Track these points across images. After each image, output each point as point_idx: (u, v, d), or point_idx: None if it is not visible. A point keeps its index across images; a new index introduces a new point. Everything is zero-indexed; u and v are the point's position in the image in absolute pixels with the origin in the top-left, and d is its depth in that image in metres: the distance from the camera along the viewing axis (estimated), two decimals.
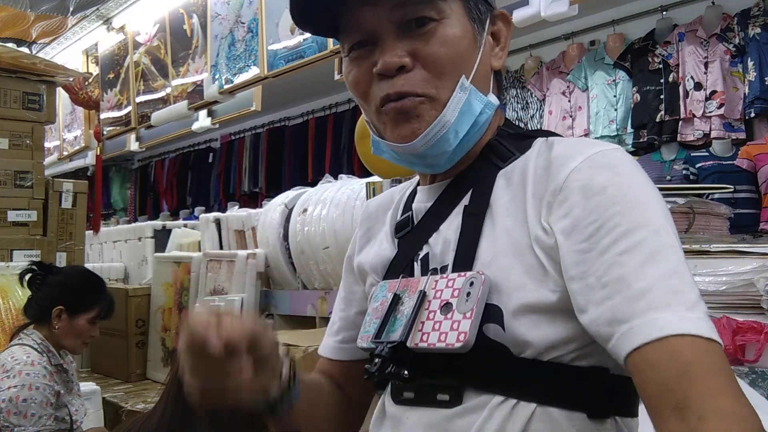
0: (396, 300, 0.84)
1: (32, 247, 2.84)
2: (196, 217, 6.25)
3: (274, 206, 3.11)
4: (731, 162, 3.71)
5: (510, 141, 0.86)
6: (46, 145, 3.84)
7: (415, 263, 0.87)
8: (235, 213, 3.61)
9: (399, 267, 0.89)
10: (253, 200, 6.62)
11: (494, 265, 0.77)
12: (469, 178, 0.86)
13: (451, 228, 0.84)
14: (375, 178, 2.29)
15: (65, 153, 4.18)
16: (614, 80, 4.26)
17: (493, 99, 0.86)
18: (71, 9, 3.57)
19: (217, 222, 3.54)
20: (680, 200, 1.96)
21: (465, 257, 0.80)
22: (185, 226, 4.04)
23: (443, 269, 0.83)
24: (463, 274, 0.78)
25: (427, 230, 0.87)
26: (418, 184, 0.95)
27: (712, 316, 1.59)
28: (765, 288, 1.51)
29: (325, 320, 2.83)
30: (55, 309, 1.97)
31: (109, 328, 2.04)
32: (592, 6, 4.13)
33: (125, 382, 3.49)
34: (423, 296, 0.80)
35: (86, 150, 3.96)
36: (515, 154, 0.84)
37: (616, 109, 4.26)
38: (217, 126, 4.09)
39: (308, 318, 2.87)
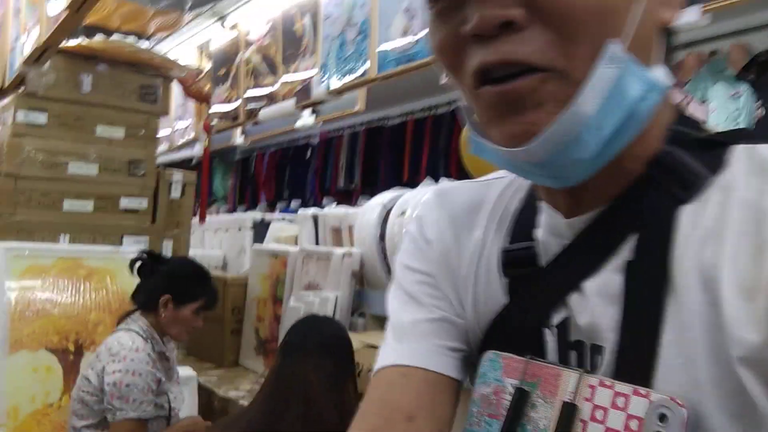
0: (523, 398, 0.56)
1: (141, 233, 2.97)
2: (293, 210, 6.40)
3: (373, 206, 3.12)
4: None
5: (691, 152, 0.56)
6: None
7: (546, 331, 0.59)
8: (332, 211, 3.65)
9: (518, 331, 0.61)
10: (347, 197, 6.69)
11: (686, 381, 0.50)
12: (630, 213, 0.56)
13: (604, 292, 0.56)
14: None
15: (175, 143, 4.34)
16: (737, 93, 4.02)
17: (660, 76, 0.54)
18: (188, 6, 3.70)
19: (315, 218, 3.59)
20: None
21: (637, 355, 0.52)
22: (283, 219, 4.11)
23: (595, 351, 0.56)
24: (642, 391, 0.50)
25: (562, 283, 0.59)
26: (535, 191, 0.66)
27: None
28: None
29: None
30: (162, 297, 2.04)
31: (207, 314, 2.10)
32: (715, 15, 3.92)
33: (219, 367, 3.59)
34: (571, 411, 0.53)
35: (195, 141, 4.10)
36: (704, 176, 0.55)
37: (737, 123, 4.02)
38: (320, 124, 4.15)
39: None
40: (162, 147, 4.40)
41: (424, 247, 0.70)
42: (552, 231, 0.62)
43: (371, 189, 6.30)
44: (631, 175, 0.57)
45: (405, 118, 6.09)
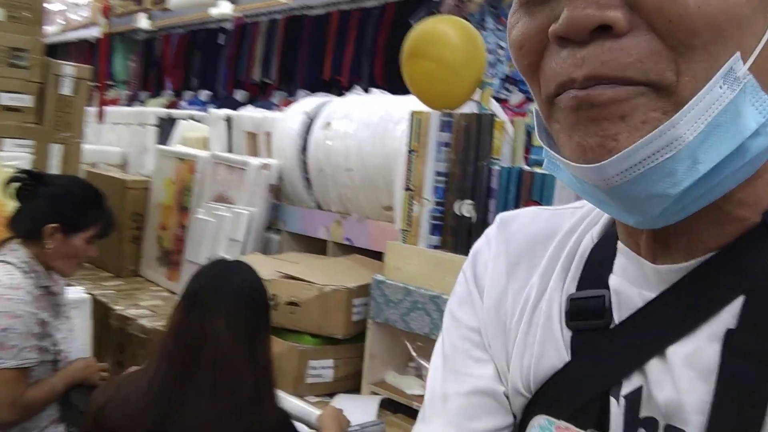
0: None
1: (25, 136, 2.54)
2: (202, 102, 5.94)
3: (294, 114, 2.82)
4: None
5: None
6: (47, 6, 3.46)
7: (613, 401, 0.49)
8: (248, 113, 3.32)
9: (579, 397, 0.51)
10: (262, 91, 6.26)
11: None
12: (737, 270, 0.46)
13: (695, 363, 0.46)
14: (420, 107, 2.00)
15: (71, 23, 3.80)
16: None
17: None
18: None
19: (228, 120, 3.26)
20: None
21: None
22: (192, 118, 3.73)
23: None
24: None
25: (641, 345, 0.48)
26: (614, 228, 0.55)
27: None
28: None
29: (339, 247, 2.63)
30: (47, 227, 1.71)
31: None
32: None
33: (116, 278, 3.32)
34: None
35: (92, 25, 3.59)
36: None
37: None
38: (240, 15, 3.72)
39: (319, 240, 2.66)
40: (54, 28, 3.84)
41: (474, 292, 0.62)
42: (632, 279, 0.51)
43: (288, 85, 5.92)
44: (741, 225, 0.46)
45: (329, 9, 5.65)
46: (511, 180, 1.75)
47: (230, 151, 3.17)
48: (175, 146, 3.43)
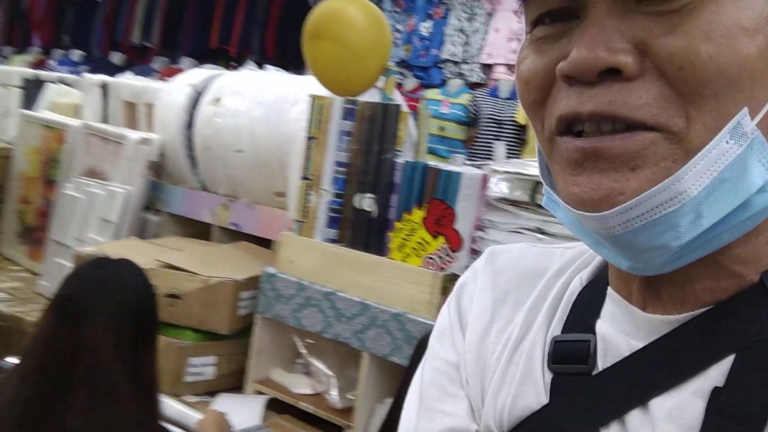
0: None
1: None
2: (74, 63, 5.47)
3: (180, 86, 2.61)
4: None
5: None
6: None
7: None
8: (127, 80, 3.05)
9: None
10: (141, 55, 5.87)
11: None
12: (730, 327, 0.44)
13: (678, 418, 0.44)
14: (320, 90, 1.87)
15: None
16: None
17: None
18: None
19: (104, 87, 2.98)
20: None
21: None
22: (63, 81, 3.39)
23: None
24: None
25: (623, 394, 0.46)
26: (604, 272, 0.53)
27: None
28: None
29: (224, 232, 2.47)
30: None
31: None
32: None
33: None
34: None
35: None
36: None
37: None
38: None
39: (202, 224, 2.48)
40: None
41: (456, 327, 0.59)
42: (620, 326, 0.49)
43: (171, 51, 5.58)
44: (738, 283, 0.45)
45: None
46: (415, 175, 1.67)
47: (105, 121, 2.90)
48: (42, 112, 3.11)
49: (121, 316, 1.16)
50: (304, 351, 1.93)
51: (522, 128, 4.04)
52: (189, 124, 2.51)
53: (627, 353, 0.47)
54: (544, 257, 0.58)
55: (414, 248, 1.65)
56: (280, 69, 2.62)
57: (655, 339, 0.46)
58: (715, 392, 0.43)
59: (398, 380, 1.78)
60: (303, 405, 1.85)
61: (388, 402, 1.69)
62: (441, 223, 1.61)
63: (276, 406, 1.91)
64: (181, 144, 2.53)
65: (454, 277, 1.64)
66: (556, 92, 0.44)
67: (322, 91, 1.87)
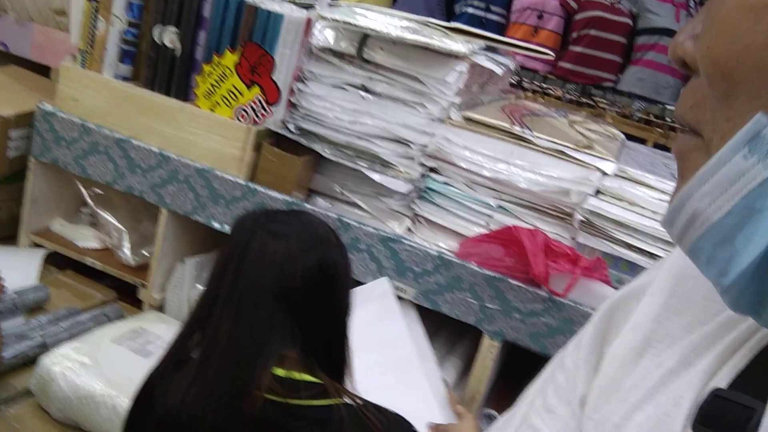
0: None
1: None
2: None
3: None
4: None
5: None
6: None
7: None
8: None
9: None
10: None
11: None
12: None
13: None
14: None
15: None
16: None
17: None
18: None
19: None
20: None
21: None
22: None
23: None
24: None
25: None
26: None
27: (520, 217, 1.38)
28: (578, 201, 1.35)
29: None
30: None
31: None
32: None
33: None
34: None
35: None
36: None
37: None
38: None
39: None
40: None
41: (611, 323, 0.49)
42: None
43: None
44: None
45: None
46: (228, 12, 1.43)
47: None
48: None
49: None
50: (91, 202, 1.70)
51: None
52: None
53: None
54: None
55: (225, 97, 1.45)
56: None
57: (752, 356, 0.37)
58: None
59: (201, 239, 1.65)
60: (90, 261, 1.65)
61: (191, 261, 1.56)
62: (257, 71, 1.42)
63: (57, 261, 1.70)
64: None
65: (269, 133, 1.48)
66: None
67: None
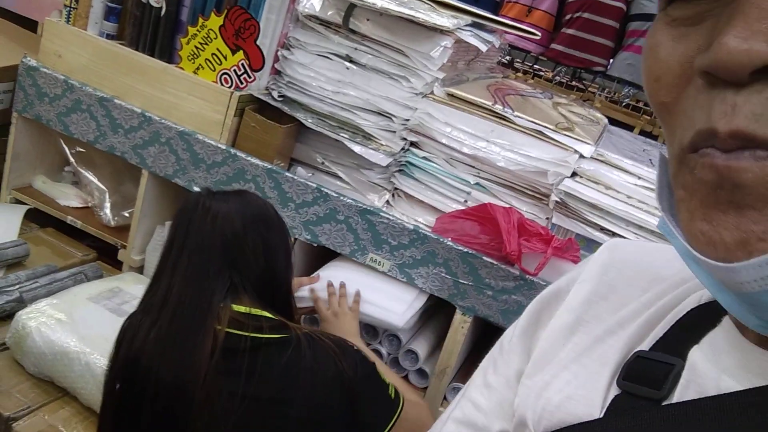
0: None
1: None
2: None
3: None
4: None
5: None
6: None
7: None
8: None
9: None
10: None
11: None
12: None
13: None
14: None
15: None
16: None
17: None
18: None
19: None
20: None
21: None
22: None
23: None
24: None
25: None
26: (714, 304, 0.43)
27: (497, 195, 1.40)
28: (554, 182, 1.36)
29: None
30: None
31: None
32: None
33: None
34: None
35: None
36: None
37: None
38: None
39: None
40: None
41: (543, 309, 0.53)
42: (717, 359, 0.39)
43: None
44: None
45: None
46: None
47: None
48: None
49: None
50: (73, 160, 1.70)
51: None
52: None
53: (713, 392, 0.38)
54: (670, 263, 0.47)
55: (209, 60, 1.45)
56: None
57: (761, 384, 0.36)
58: None
59: (181, 203, 1.65)
60: (70, 219, 1.66)
61: (168, 225, 1.56)
62: (242, 35, 1.41)
63: (38, 218, 1.70)
64: None
65: (252, 99, 1.48)
66: (695, 93, 0.32)
67: None
